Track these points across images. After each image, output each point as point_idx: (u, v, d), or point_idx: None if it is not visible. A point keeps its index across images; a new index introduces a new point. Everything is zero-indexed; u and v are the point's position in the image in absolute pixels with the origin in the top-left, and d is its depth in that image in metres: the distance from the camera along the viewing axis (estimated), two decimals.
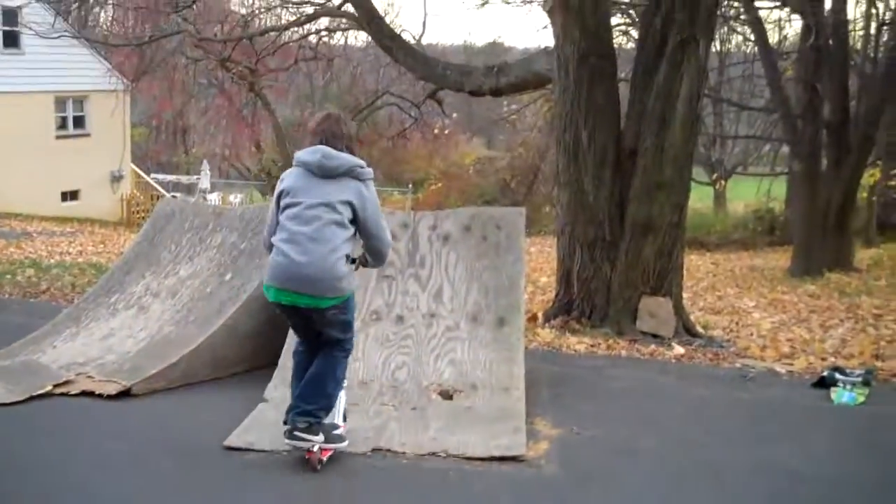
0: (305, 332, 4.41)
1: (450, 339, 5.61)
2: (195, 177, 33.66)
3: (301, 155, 4.31)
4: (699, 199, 25.74)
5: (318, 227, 4.13)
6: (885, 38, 18.79)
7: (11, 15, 23.83)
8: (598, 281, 8.05)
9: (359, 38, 28.95)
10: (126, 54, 25.93)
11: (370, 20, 12.73)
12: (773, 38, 20.52)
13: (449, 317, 5.75)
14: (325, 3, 17.95)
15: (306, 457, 4.23)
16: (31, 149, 24.85)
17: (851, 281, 14.31)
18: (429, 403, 5.09)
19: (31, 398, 5.12)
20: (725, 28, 21.91)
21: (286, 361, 5.33)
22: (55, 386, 5.25)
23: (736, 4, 18.71)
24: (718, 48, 23.72)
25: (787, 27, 23.17)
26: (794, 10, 18.26)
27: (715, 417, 5.34)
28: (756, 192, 26.69)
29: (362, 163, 4.29)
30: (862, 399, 5.64)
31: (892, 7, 19.21)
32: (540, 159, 30.67)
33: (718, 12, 12.25)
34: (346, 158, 4.25)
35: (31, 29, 18.93)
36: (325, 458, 4.26)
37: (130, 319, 6.24)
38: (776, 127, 21.00)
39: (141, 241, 7.09)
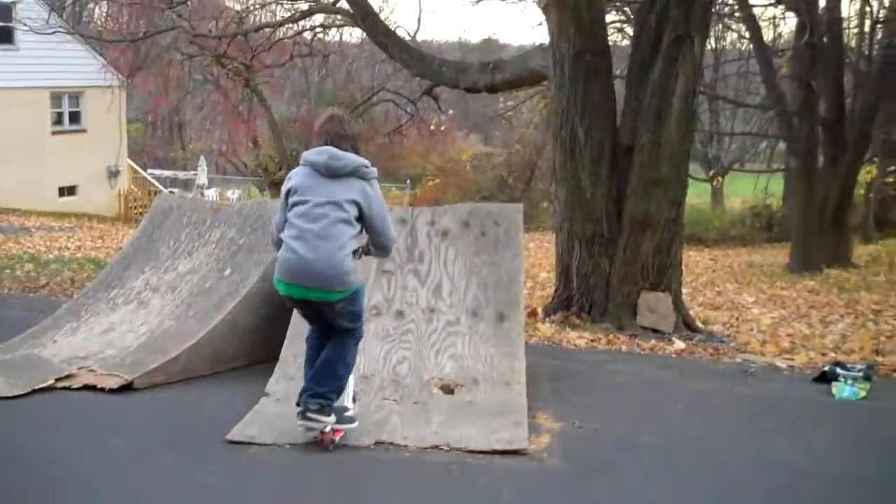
0: (316, 322, 4.57)
1: (450, 334, 5.61)
2: (192, 172, 33.65)
3: (308, 155, 4.44)
4: (696, 195, 25.81)
5: (325, 224, 4.27)
6: (879, 35, 18.84)
7: (6, 10, 23.77)
8: (597, 276, 8.06)
9: (354, 34, 28.92)
10: (121, 50, 25.86)
11: (365, 17, 12.72)
12: (767, 35, 20.58)
13: (449, 312, 5.75)
14: (319, 0, 17.92)
15: (319, 437, 4.40)
16: (28, 145, 24.80)
17: (850, 277, 14.36)
18: (430, 398, 5.10)
19: (33, 392, 5.11)
20: (720, 25, 21.96)
21: (287, 356, 5.36)
22: (57, 380, 5.25)
23: (730, 2, 18.73)
24: (713, 45, 23.79)
25: (782, 24, 23.24)
26: (788, 8, 18.31)
27: (715, 412, 5.34)
28: (753, 188, 26.75)
29: (367, 162, 4.43)
30: (863, 394, 5.65)
31: (886, 4, 19.25)
32: (537, 155, 30.65)
33: (713, 9, 12.26)
34: (351, 159, 4.39)
35: (25, 25, 18.88)
36: (336, 439, 4.42)
37: (130, 314, 6.23)
38: (772, 124, 21.04)
39: (139, 236, 7.08)
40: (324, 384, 4.35)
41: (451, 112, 31.24)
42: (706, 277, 15.31)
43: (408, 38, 18.04)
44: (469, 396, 5.11)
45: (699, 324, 8.39)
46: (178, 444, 4.48)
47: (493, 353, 5.44)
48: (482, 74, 12.01)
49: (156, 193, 24.49)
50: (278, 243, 4.44)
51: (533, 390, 5.27)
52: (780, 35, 23.09)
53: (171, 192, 26.27)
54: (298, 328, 5.51)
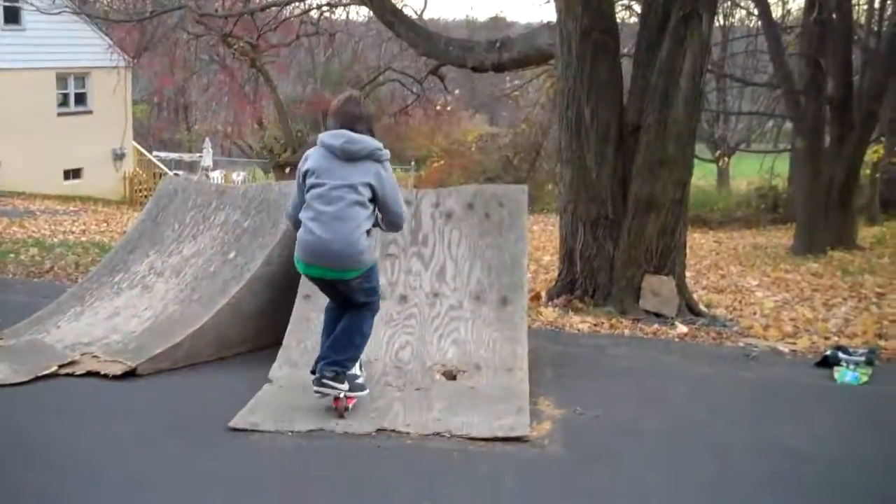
0: (334, 296, 4.81)
1: (453, 319, 5.61)
2: (197, 154, 33.66)
3: (325, 138, 4.60)
4: (702, 176, 25.71)
5: (341, 207, 4.47)
6: (888, 12, 18.72)
7: None
8: (601, 259, 8.04)
9: (360, 13, 28.80)
10: (127, 30, 25.80)
11: None
12: (776, 12, 20.48)
13: (452, 296, 5.75)
14: None
15: (333, 405, 4.63)
16: (33, 126, 24.78)
17: (854, 259, 14.32)
18: (433, 384, 5.11)
19: (37, 378, 5.13)
20: (728, 2, 21.80)
21: (290, 342, 5.37)
22: (60, 366, 5.26)
23: None
24: (721, 23, 23.62)
25: (791, 1, 23.11)
26: None
27: (718, 396, 5.34)
28: (759, 168, 26.63)
29: (380, 145, 4.61)
30: (865, 378, 5.65)
31: None
32: (543, 136, 30.55)
33: None
34: (366, 143, 4.56)
35: (31, 4, 18.87)
36: (350, 406, 4.65)
37: (135, 299, 6.24)
38: (779, 103, 20.92)
39: (144, 219, 7.08)
40: (340, 353, 4.60)
41: (457, 92, 31.18)
42: (710, 260, 15.29)
43: (414, 16, 18.02)
44: (471, 382, 5.12)
45: (702, 307, 8.39)
46: (182, 430, 4.50)
47: (495, 338, 5.45)
48: (489, 53, 11.98)
49: (161, 176, 24.55)
50: (295, 220, 4.69)
51: (535, 376, 5.28)
52: (788, 12, 23.01)
53: (176, 174, 26.30)
54: (302, 314, 5.54)
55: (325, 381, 4.53)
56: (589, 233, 8.10)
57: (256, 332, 5.85)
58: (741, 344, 6.75)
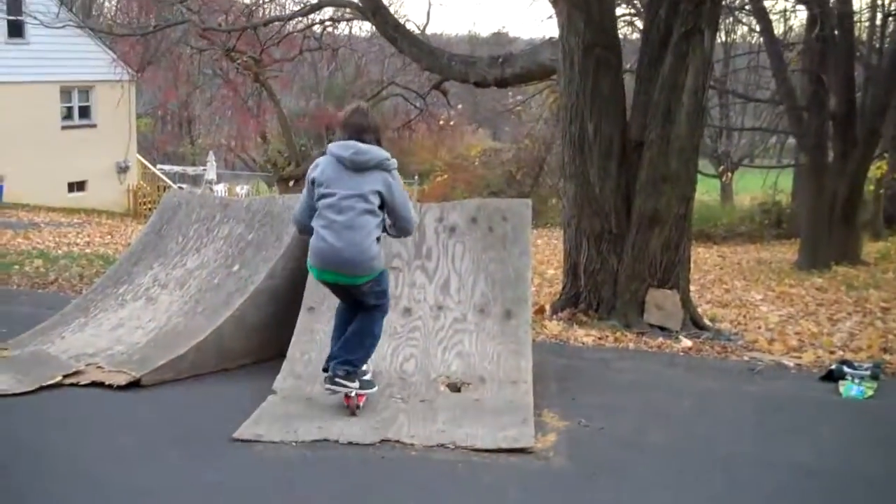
0: (345, 299, 4.99)
1: (457, 332, 5.61)
2: (201, 168, 33.74)
3: (334, 149, 4.76)
4: (706, 191, 25.72)
5: (351, 216, 4.65)
6: (890, 28, 18.76)
7: (16, 4, 23.81)
8: (605, 273, 8.04)
9: (363, 28, 28.96)
10: (131, 44, 25.95)
11: (374, 10, 12.71)
12: (778, 29, 20.50)
13: (456, 308, 5.75)
14: None
15: (345, 403, 4.84)
16: (38, 140, 24.85)
17: (859, 274, 14.30)
18: (437, 396, 5.10)
19: (41, 388, 5.13)
20: (731, 19, 21.87)
21: (294, 354, 5.37)
22: (65, 376, 5.26)
23: None
24: (724, 39, 23.68)
25: (793, 18, 23.19)
26: (799, 1, 18.25)
27: (723, 410, 5.33)
28: (762, 184, 26.64)
29: (388, 155, 4.78)
30: (870, 393, 5.63)
31: None
32: (546, 151, 30.64)
33: (723, 3, 12.22)
34: (374, 154, 4.72)
35: (35, 18, 18.95)
36: (360, 404, 4.84)
37: (139, 310, 6.24)
38: (782, 119, 20.96)
39: (148, 232, 7.09)
40: (351, 353, 4.81)
41: (460, 107, 31.25)
42: (714, 274, 15.28)
43: (417, 31, 18.08)
44: (476, 394, 5.12)
45: (707, 321, 8.38)
46: (186, 441, 4.50)
47: (500, 351, 5.44)
48: (492, 68, 12.02)
49: (165, 189, 24.60)
50: (301, 224, 4.95)
51: (539, 388, 5.27)
52: (790, 28, 23.03)
53: (180, 187, 26.37)
54: (306, 326, 5.55)
55: (337, 379, 4.74)
56: (593, 247, 8.11)
57: (260, 344, 5.85)
58: (746, 358, 6.74)
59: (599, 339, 7.15)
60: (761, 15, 17.74)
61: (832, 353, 7.03)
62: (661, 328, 7.64)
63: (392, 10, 15.40)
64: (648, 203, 7.85)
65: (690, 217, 8.22)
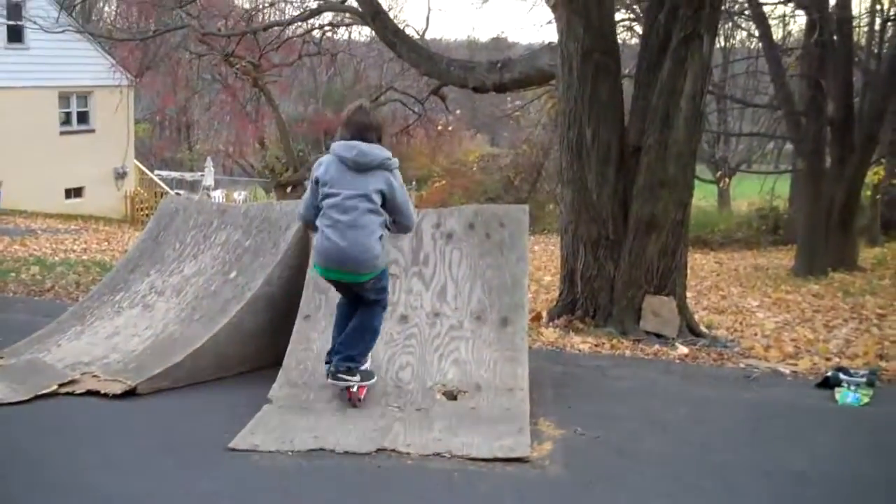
0: (347, 294, 5.14)
1: (454, 339, 5.60)
2: (199, 173, 33.73)
3: (338, 150, 4.90)
4: (703, 196, 25.77)
5: (355, 216, 4.80)
6: (889, 34, 18.79)
7: (16, 9, 23.83)
8: (602, 280, 8.04)
9: (362, 33, 28.93)
10: (130, 49, 25.97)
11: (374, 15, 12.75)
12: (777, 34, 20.55)
13: (453, 315, 5.74)
14: None
15: (347, 397, 5.02)
16: (36, 145, 24.85)
17: (855, 280, 14.32)
18: (433, 404, 5.09)
19: (37, 397, 5.12)
20: (729, 24, 21.90)
21: (290, 362, 5.37)
22: (60, 385, 5.25)
23: (740, 0, 18.68)
24: (722, 44, 23.71)
25: (792, 23, 23.21)
26: (798, 6, 18.26)
27: (719, 417, 5.32)
28: (760, 189, 26.69)
29: (389, 155, 4.93)
30: (866, 400, 5.63)
31: None
32: (544, 156, 30.66)
33: (723, 8, 12.23)
34: (376, 154, 4.86)
35: (35, 23, 18.95)
36: (362, 396, 5.04)
37: (135, 318, 6.23)
38: (780, 124, 20.99)
39: (145, 238, 7.08)
40: (352, 348, 4.98)
41: (458, 112, 31.31)
42: (711, 281, 15.28)
43: (416, 36, 18.11)
44: (472, 403, 5.11)
45: (703, 328, 8.37)
46: (182, 450, 4.49)
47: (496, 358, 5.43)
48: (490, 73, 12.05)
49: (162, 195, 24.54)
50: (305, 220, 5.11)
51: (536, 396, 5.27)
52: (789, 34, 23.08)
53: (177, 193, 26.35)
54: (303, 334, 5.54)
55: (339, 375, 4.94)
56: (590, 253, 8.10)
57: (257, 352, 5.84)
58: (742, 365, 6.74)
59: (596, 346, 7.14)
60: (760, 20, 17.78)
61: (828, 359, 7.03)
62: (658, 335, 7.63)
63: (391, 15, 15.45)
64: (645, 208, 7.85)
65: (687, 223, 8.22)
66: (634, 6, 18.06)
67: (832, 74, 16.15)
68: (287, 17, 21.84)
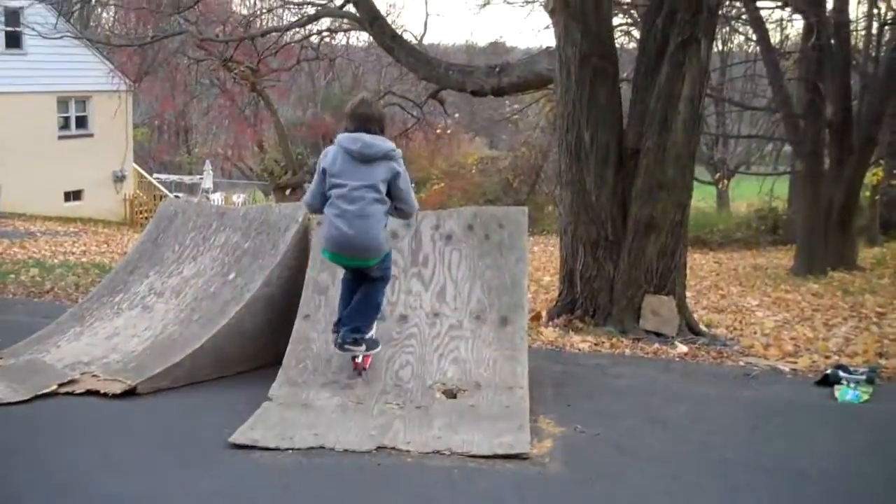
0: (352, 272, 5.38)
1: (453, 338, 5.61)
2: (198, 177, 33.76)
3: (343, 141, 5.10)
4: (702, 198, 25.78)
5: (362, 205, 5.03)
6: (886, 37, 18.83)
7: (14, 15, 23.86)
8: (601, 280, 8.05)
9: (360, 38, 29.01)
10: (128, 54, 25.96)
11: (372, 21, 12.77)
12: (774, 37, 20.58)
13: (452, 315, 5.75)
14: (326, 4, 17.98)
15: (353, 367, 5.32)
16: (34, 149, 24.89)
17: (855, 279, 14.34)
18: (433, 402, 5.09)
19: (36, 397, 5.12)
20: (727, 28, 21.94)
21: (290, 361, 5.37)
22: (60, 385, 5.25)
23: (738, 4, 18.71)
24: (720, 48, 23.74)
25: (789, 27, 23.26)
26: (795, 10, 18.29)
27: (719, 415, 5.33)
28: (759, 191, 26.73)
29: (393, 146, 5.15)
30: (866, 397, 5.63)
31: (894, 7, 19.23)
32: (542, 159, 30.69)
33: (720, 12, 12.25)
34: (380, 146, 5.08)
35: (33, 29, 18.99)
36: (367, 365, 5.32)
37: (135, 319, 6.24)
38: (778, 126, 21.02)
39: (144, 240, 7.09)
40: (357, 321, 5.23)
41: (457, 115, 31.32)
42: (710, 280, 15.30)
43: (414, 41, 18.11)
44: (472, 401, 5.11)
45: (703, 327, 8.39)
46: (182, 448, 4.49)
47: (496, 358, 5.44)
48: (489, 78, 12.07)
49: (161, 198, 24.62)
50: (312, 208, 5.35)
51: (536, 394, 5.27)
52: (787, 37, 23.13)
53: (176, 196, 26.37)
54: (302, 333, 5.55)
55: (346, 346, 5.19)
56: (589, 254, 8.12)
57: (256, 352, 5.85)
58: (742, 363, 6.74)
59: (595, 345, 7.15)
60: (758, 24, 17.82)
61: (828, 357, 7.04)
62: (658, 334, 7.65)
63: (389, 20, 15.44)
64: (645, 210, 7.86)
65: (686, 223, 8.24)
66: (632, 11, 18.09)
67: (830, 77, 16.19)
68: (285, 22, 21.88)
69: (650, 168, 7.84)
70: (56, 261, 12.65)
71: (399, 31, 14.61)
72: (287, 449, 4.44)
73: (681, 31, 7.69)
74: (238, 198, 30.49)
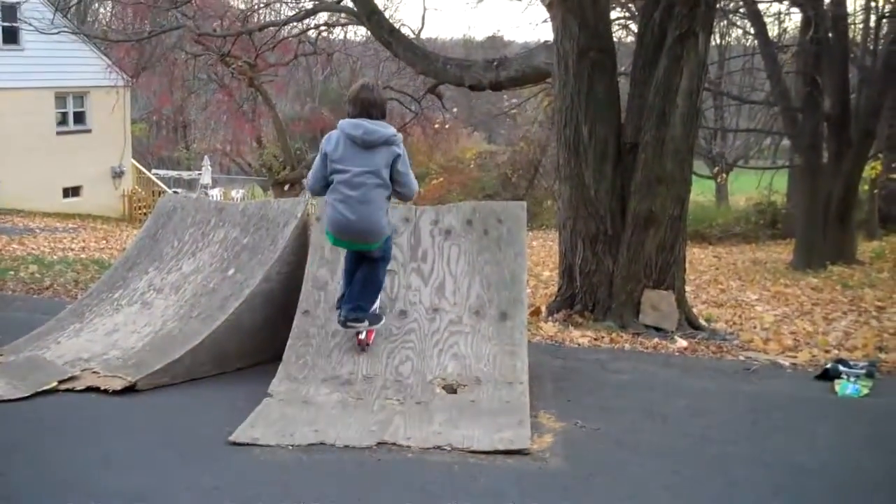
0: (355, 254, 5.51)
1: (453, 334, 5.61)
2: (196, 172, 33.73)
3: (346, 127, 5.20)
4: (701, 192, 25.77)
5: (364, 191, 5.16)
6: (884, 30, 18.80)
7: (11, 11, 23.82)
8: (601, 275, 8.05)
9: (358, 32, 28.94)
10: (126, 50, 25.94)
11: (369, 15, 12.74)
12: (772, 31, 20.54)
13: (452, 311, 5.75)
14: None
15: (357, 343, 5.47)
16: (32, 145, 24.85)
17: (854, 273, 14.34)
18: (433, 397, 5.10)
19: (36, 394, 5.12)
20: (725, 21, 21.92)
21: (290, 357, 5.38)
22: (60, 382, 5.25)
23: None
24: (718, 42, 23.73)
25: (787, 20, 23.21)
26: (793, 4, 18.28)
27: (719, 410, 5.33)
28: (757, 185, 26.72)
29: (394, 131, 5.25)
30: (866, 391, 5.64)
31: (892, 0, 19.21)
32: (541, 153, 30.66)
33: (718, 6, 12.24)
34: (381, 132, 5.17)
35: (30, 25, 18.94)
36: (370, 341, 5.47)
37: (134, 315, 6.23)
38: (777, 120, 21.01)
39: (143, 236, 7.08)
40: (360, 298, 5.37)
41: (455, 110, 31.25)
42: (710, 275, 15.30)
43: (412, 36, 18.08)
44: (472, 396, 5.11)
45: (702, 321, 8.39)
46: (182, 445, 4.49)
47: (495, 353, 5.44)
48: (487, 72, 12.04)
49: (160, 194, 24.59)
50: (315, 191, 5.43)
51: (536, 389, 5.28)
52: (785, 31, 23.08)
53: (175, 192, 26.32)
54: (302, 329, 5.56)
55: (349, 323, 5.33)
56: (588, 248, 8.12)
57: (256, 348, 5.85)
58: (741, 357, 6.75)
59: (595, 340, 7.15)
60: (756, 17, 17.80)
61: (827, 352, 7.05)
62: (657, 329, 7.65)
63: (387, 14, 15.41)
64: (643, 204, 7.86)
65: (685, 218, 8.24)
66: (630, 5, 18.07)
67: (828, 71, 16.18)
68: (282, 17, 21.83)
69: (649, 162, 7.84)
70: (55, 257, 12.65)
71: (396, 26, 14.56)
72: (287, 445, 4.44)
73: (679, 25, 7.68)
74: (237, 193, 30.46)
